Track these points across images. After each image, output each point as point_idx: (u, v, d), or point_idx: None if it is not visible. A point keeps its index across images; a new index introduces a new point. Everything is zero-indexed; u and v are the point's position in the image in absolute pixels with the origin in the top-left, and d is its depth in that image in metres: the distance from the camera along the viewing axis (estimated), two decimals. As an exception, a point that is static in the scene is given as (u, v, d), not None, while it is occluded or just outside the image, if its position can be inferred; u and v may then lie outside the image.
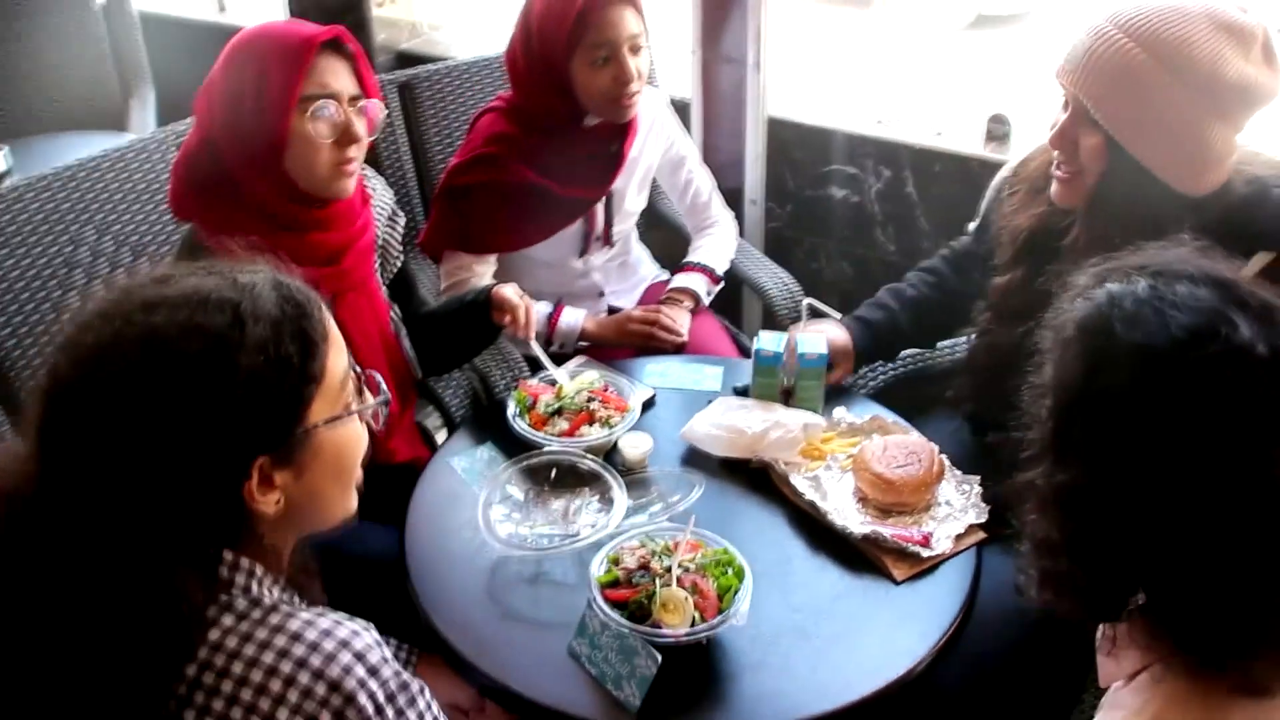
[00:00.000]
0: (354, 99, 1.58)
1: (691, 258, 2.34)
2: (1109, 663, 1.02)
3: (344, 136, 1.57)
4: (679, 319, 2.19)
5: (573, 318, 2.17)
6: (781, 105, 2.68)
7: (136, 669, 0.93)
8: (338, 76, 1.56)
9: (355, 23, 3.18)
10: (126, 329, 0.95)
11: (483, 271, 2.15)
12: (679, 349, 2.16)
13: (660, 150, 2.26)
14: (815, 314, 1.80)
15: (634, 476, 1.67)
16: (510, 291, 1.81)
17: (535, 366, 2.01)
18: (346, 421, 1.06)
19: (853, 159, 2.68)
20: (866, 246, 2.77)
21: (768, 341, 1.76)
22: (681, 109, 2.74)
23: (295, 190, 1.58)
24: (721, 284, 2.35)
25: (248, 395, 0.96)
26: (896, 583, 1.50)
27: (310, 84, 1.54)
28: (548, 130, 2.06)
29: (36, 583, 0.94)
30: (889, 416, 1.79)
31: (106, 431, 0.94)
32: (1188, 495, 0.89)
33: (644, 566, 1.39)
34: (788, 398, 1.78)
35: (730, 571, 1.40)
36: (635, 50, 1.98)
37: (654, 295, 2.33)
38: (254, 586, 1.01)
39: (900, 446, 1.64)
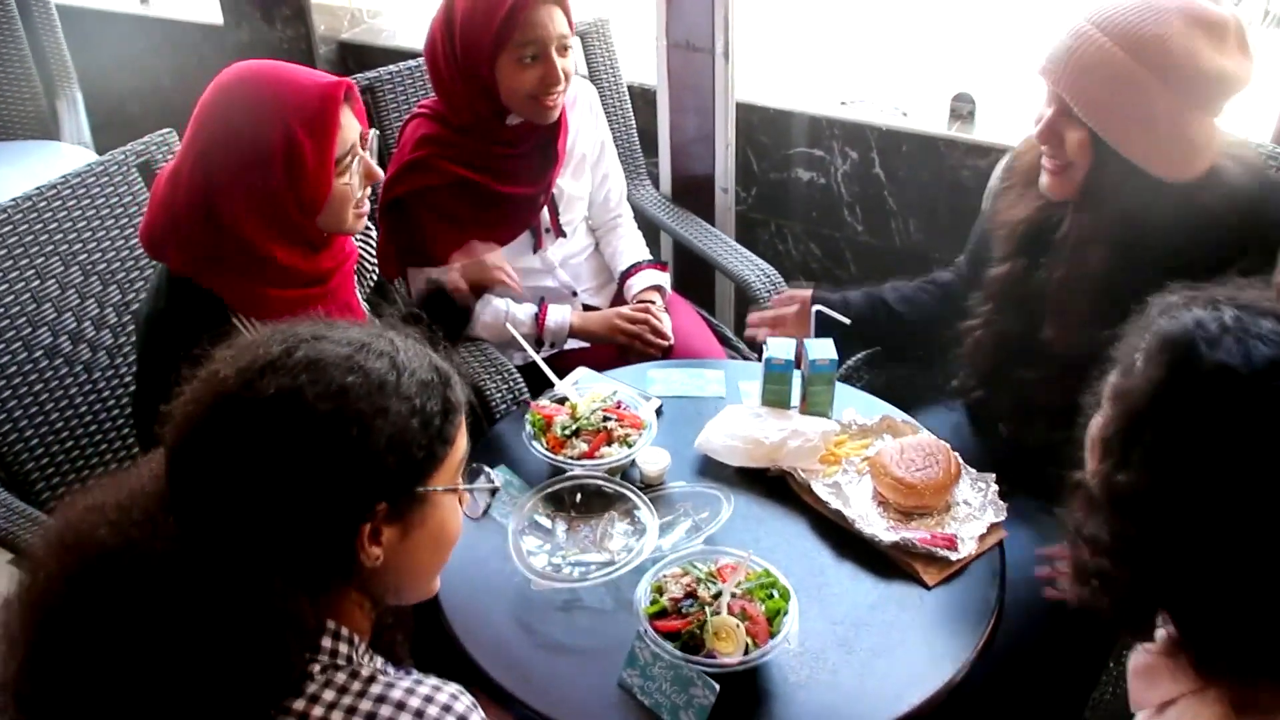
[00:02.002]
0: (362, 137, 1.53)
1: (637, 256, 2.32)
2: (1140, 686, 1.05)
3: (367, 179, 1.53)
4: (664, 321, 2.18)
5: (559, 314, 2.15)
6: (745, 89, 2.66)
7: (241, 693, 0.94)
8: (352, 124, 1.50)
9: (294, 13, 3.08)
10: (295, 348, 1.00)
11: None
12: (666, 352, 2.16)
13: (596, 137, 2.24)
14: (823, 320, 1.81)
15: (654, 493, 1.66)
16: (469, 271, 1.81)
17: (532, 377, 1.99)
18: (454, 498, 1.10)
19: (819, 141, 2.69)
20: (834, 227, 2.79)
21: (777, 349, 1.76)
22: (645, 95, 2.72)
23: (316, 238, 1.53)
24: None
25: (391, 438, 0.99)
26: (928, 588, 1.53)
27: (339, 144, 1.48)
28: (473, 130, 2.03)
29: (154, 592, 0.94)
30: (898, 416, 1.81)
31: (258, 442, 0.96)
32: (1242, 515, 0.93)
33: (691, 594, 1.39)
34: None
35: (776, 594, 1.41)
36: (563, 51, 1.96)
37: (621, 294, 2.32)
38: (354, 655, 1.03)
39: (916, 448, 1.66)
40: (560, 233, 2.19)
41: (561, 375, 1.87)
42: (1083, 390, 1.36)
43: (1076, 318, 1.58)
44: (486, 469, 1.19)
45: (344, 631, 1.03)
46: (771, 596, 1.41)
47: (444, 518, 1.09)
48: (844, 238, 2.80)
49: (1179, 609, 0.97)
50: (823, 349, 1.75)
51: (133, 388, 1.98)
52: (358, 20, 3.20)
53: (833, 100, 2.69)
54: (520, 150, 2.06)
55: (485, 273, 1.89)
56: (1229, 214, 1.50)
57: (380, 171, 1.57)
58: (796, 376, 1.80)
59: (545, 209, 2.14)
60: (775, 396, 1.78)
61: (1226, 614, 0.93)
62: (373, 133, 1.56)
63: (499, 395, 2.03)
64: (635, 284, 2.26)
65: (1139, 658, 1.04)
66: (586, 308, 2.29)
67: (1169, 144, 1.50)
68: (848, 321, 1.81)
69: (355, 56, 3.12)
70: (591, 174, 2.24)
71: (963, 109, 2.57)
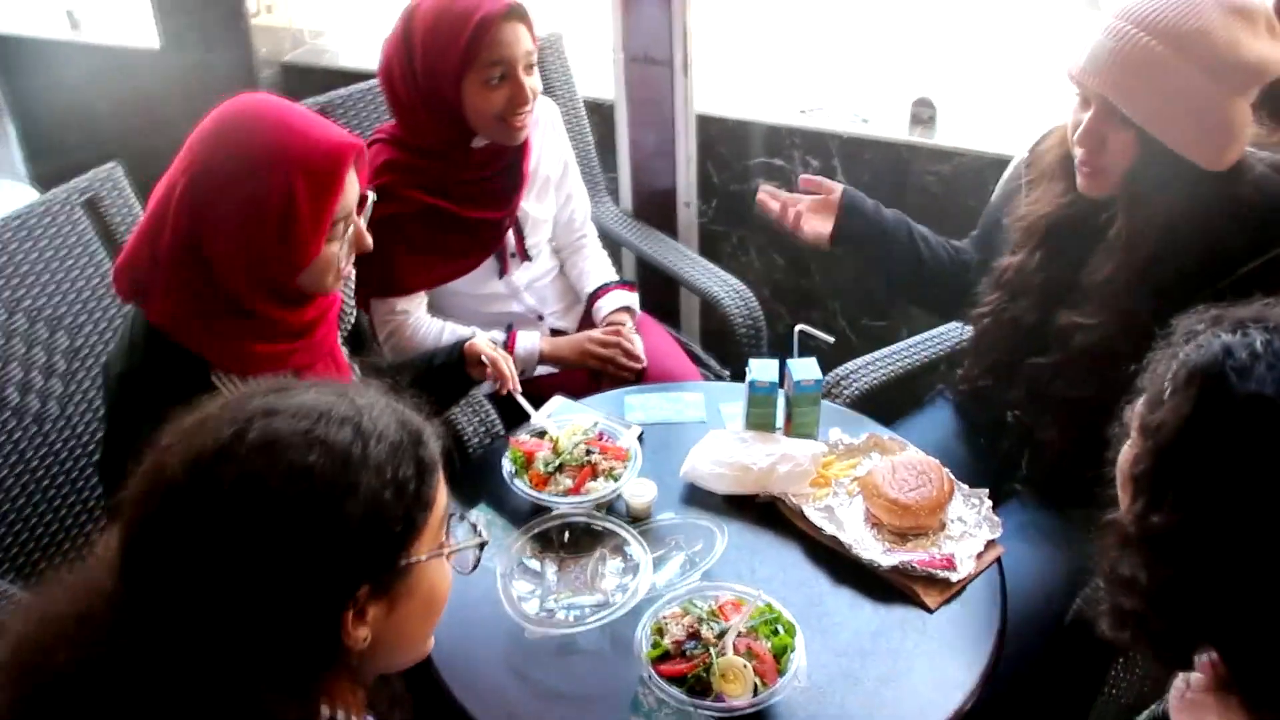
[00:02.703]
0: (360, 201, 1.45)
1: (604, 277, 2.26)
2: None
3: (356, 246, 1.46)
4: (636, 343, 2.13)
5: (529, 341, 2.09)
6: (701, 100, 2.62)
7: None
8: (354, 187, 1.42)
9: (235, 35, 2.98)
10: (246, 430, 0.90)
11: (415, 311, 2.06)
12: (640, 374, 2.11)
13: (559, 157, 2.18)
14: (807, 340, 1.77)
15: (642, 526, 1.62)
16: (484, 344, 1.73)
17: (503, 408, 1.93)
18: (442, 559, 1.01)
19: (779, 150, 2.66)
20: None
21: (761, 371, 1.72)
22: (600, 110, 2.67)
23: (295, 295, 1.46)
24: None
25: (365, 515, 0.91)
26: (930, 611, 1.50)
27: (339, 207, 1.39)
28: (437, 154, 1.96)
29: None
30: (884, 433, 1.78)
31: (220, 538, 0.87)
32: None
33: (693, 635, 1.35)
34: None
35: (781, 629, 1.37)
36: (529, 69, 1.90)
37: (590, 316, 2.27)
38: None
39: (908, 467, 1.63)
40: (526, 256, 2.14)
41: (531, 402, 1.81)
42: (1099, 381, 1.50)
43: (1118, 308, 1.56)
44: (471, 519, 1.11)
45: (339, 715, 0.96)
46: (776, 632, 1.37)
47: (433, 581, 1.01)
48: (808, 247, 2.76)
49: (1227, 648, 0.94)
50: (807, 369, 1.71)
51: (85, 437, 1.89)
52: (300, 41, 3.11)
53: (792, 109, 2.67)
54: (486, 173, 1.99)
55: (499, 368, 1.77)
56: (1262, 200, 1.51)
57: (370, 241, 1.48)
58: (780, 397, 1.76)
59: (510, 233, 2.08)
60: (760, 419, 1.74)
61: (1278, 652, 0.90)
62: (370, 197, 1.48)
63: (471, 429, 1.97)
64: (604, 306, 2.21)
65: (1183, 696, 1.01)
66: (554, 332, 2.23)
67: (1216, 135, 1.49)
68: (830, 340, 1.78)
69: (299, 79, 3.04)
70: (555, 195, 2.18)
71: (924, 114, 2.56)
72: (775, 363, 1.74)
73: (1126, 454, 1.02)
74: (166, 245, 1.37)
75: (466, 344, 1.74)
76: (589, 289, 2.24)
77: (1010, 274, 1.74)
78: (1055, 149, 1.69)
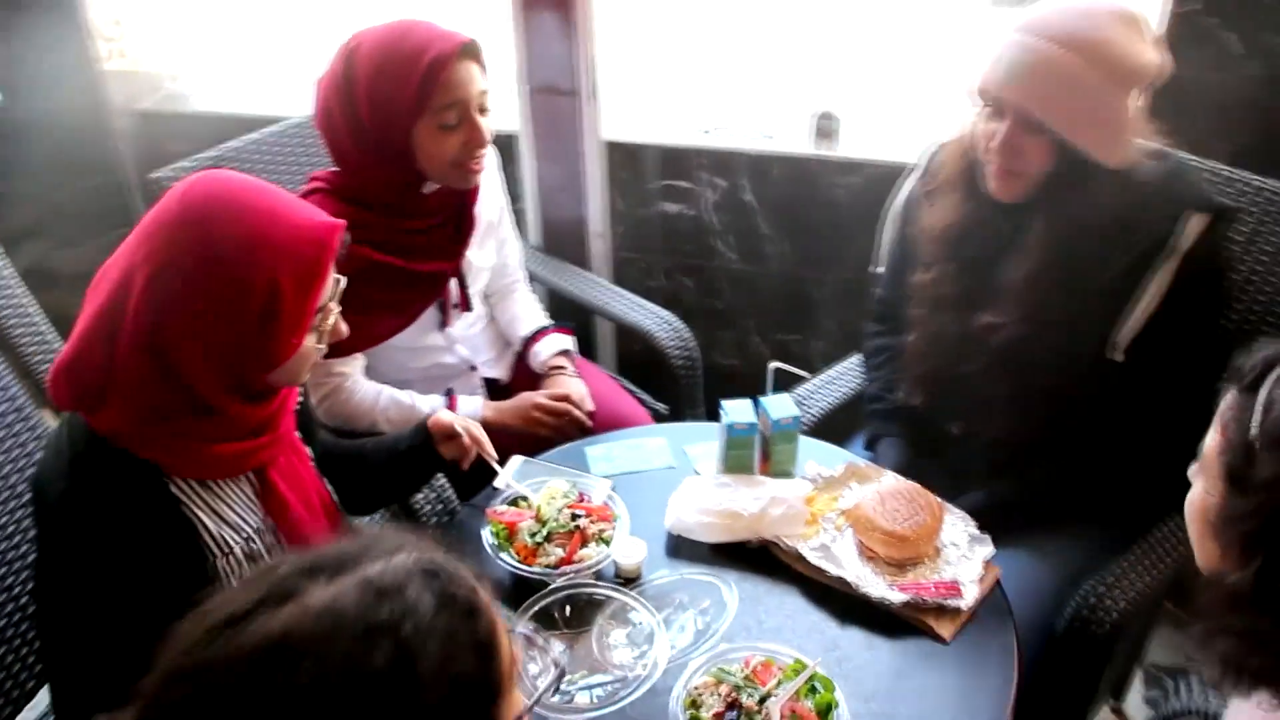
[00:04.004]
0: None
1: (537, 322, 2.18)
2: None
3: (332, 336, 1.35)
4: (583, 393, 2.05)
5: (470, 408, 1.98)
6: (604, 127, 2.56)
7: None
8: (332, 274, 1.30)
9: (86, 82, 2.75)
10: (266, 691, 0.72)
11: (353, 373, 1.92)
12: (589, 428, 2.02)
13: (497, 202, 2.08)
14: (782, 377, 1.73)
15: (638, 587, 1.54)
16: (452, 415, 1.63)
17: (453, 475, 1.81)
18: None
19: (684, 173, 2.62)
20: (706, 258, 2.72)
21: (737, 413, 1.67)
22: (497, 142, 2.56)
23: (263, 390, 1.33)
24: None
25: None
26: (945, 643, 1.48)
27: (321, 297, 1.28)
28: (386, 205, 1.82)
29: None
30: (860, 461, 1.76)
31: None
32: None
33: (733, 704, 1.29)
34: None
35: (819, 686, 1.32)
36: (483, 110, 1.80)
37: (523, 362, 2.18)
38: None
39: (895, 496, 1.61)
40: (468, 306, 2.02)
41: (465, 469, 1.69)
42: (1022, 376, 1.65)
43: (1029, 303, 1.63)
44: (545, 639, 0.96)
45: None
46: (814, 690, 1.32)
47: None
48: (718, 267, 2.74)
49: None
50: (783, 406, 1.67)
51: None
52: (158, 86, 2.89)
53: (695, 130, 2.63)
54: (435, 221, 1.87)
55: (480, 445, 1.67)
56: (1159, 184, 1.60)
57: (345, 328, 1.37)
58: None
59: (454, 282, 1.96)
60: (739, 462, 1.69)
61: None
62: (342, 282, 1.35)
63: (423, 501, 1.85)
64: (541, 351, 2.12)
65: None
66: (487, 381, 2.13)
67: (1119, 133, 1.58)
68: (808, 375, 1.75)
69: (162, 126, 2.82)
70: (494, 240, 2.08)
71: (827, 127, 2.56)
72: (749, 403, 1.69)
73: (1209, 503, 0.99)
74: (125, 347, 1.21)
75: (431, 420, 1.62)
76: (522, 334, 2.15)
77: (929, 288, 1.79)
78: (953, 161, 1.74)
